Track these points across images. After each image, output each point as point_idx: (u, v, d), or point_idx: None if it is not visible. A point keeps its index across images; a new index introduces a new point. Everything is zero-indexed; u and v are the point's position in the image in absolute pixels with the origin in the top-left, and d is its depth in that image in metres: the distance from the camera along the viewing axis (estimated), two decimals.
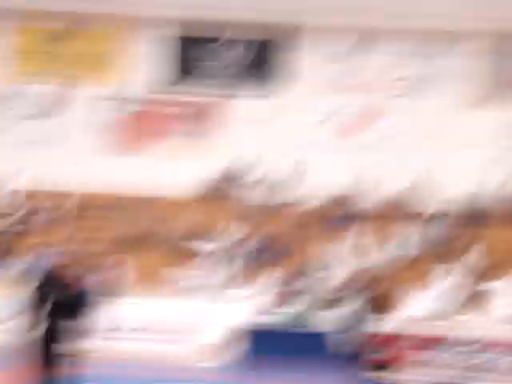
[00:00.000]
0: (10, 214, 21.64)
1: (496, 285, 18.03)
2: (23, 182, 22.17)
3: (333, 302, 16.54)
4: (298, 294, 17.16)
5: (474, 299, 17.76)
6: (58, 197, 21.81)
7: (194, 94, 23.54)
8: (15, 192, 22.00)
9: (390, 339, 16.20)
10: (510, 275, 18.21)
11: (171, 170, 22.80)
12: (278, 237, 20.44)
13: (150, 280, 19.08)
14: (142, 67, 23.50)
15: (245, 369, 15.42)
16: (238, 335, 16.04)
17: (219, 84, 23.59)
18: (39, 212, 21.55)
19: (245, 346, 15.91)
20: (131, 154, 23.38)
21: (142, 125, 23.54)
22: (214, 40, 23.54)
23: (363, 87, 23.29)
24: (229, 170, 22.80)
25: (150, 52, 23.57)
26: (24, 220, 21.55)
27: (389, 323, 16.03)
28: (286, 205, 22.32)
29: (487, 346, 16.00)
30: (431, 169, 22.37)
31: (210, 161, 22.83)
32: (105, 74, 23.66)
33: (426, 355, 16.20)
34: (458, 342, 16.10)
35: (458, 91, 22.90)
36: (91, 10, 23.11)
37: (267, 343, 15.87)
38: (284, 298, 17.07)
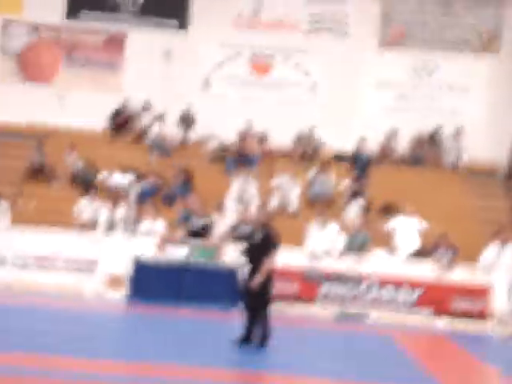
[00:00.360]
0: None
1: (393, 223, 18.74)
2: None
3: (234, 237, 16.87)
4: (200, 231, 17.37)
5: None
6: None
7: (97, 23, 23.15)
8: None
9: (294, 273, 16.74)
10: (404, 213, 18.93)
11: (75, 101, 22.51)
12: (177, 174, 20.58)
13: (52, 212, 18.96)
14: None
15: (147, 301, 15.64)
16: (137, 267, 16.21)
17: (123, 16, 23.26)
18: None
19: (144, 277, 16.11)
20: (35, 82, 22.92)
21: (43, 52, 23.02)
22: None
23: (275, 25, 23.43)
24: (130, 105, 22.70)
25: None
26: None
27: (291, 258, 16.54)
28: (185, 143, 22.47)
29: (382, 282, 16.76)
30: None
31: (113, 95, 22.64)
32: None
33: (328, 289, 16.83)
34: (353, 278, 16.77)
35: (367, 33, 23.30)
36: None
37: (166, 274, 16.13)
38: (185, 235, 17.25)
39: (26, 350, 9.74)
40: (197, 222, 17.51)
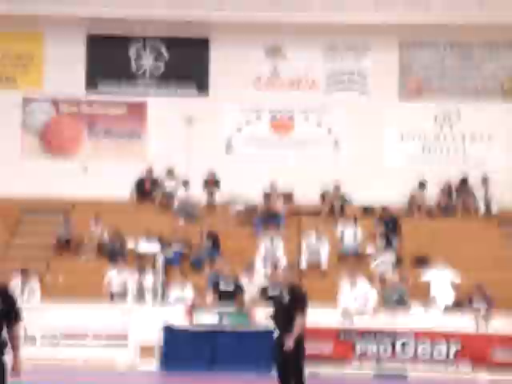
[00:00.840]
0: None
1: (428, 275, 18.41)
2: None
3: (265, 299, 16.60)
4: (230, 294, 17.13)
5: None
6: None
7: (117, 94, 23.32)
8: None
9: (329, 333, 16.36)
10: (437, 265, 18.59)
11: (99, 172, 22.55)
12: (204, 238, 20.44)
13: (81, 285, 18.83)
14: (61, 68, 23.10)
15: (180, 369, 15.36)
16: (172, 336, 15.94)
17: (142, 84, 23.44)
18: None
19: (175, 346, 15.84)
20: (58, 156, 23.04)
21: (64, 126, 23.18)
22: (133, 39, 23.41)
23: (295, 83, 23.48)
24: (154, 171, 22.75)
25: (70, 53, 23.19)
26: None
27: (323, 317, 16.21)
28: (211, 207, 22.39)
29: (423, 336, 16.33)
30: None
31: (137, 163, 22.70)
32: (24, 75, 23.23)
33: (364, 348, 16.42)
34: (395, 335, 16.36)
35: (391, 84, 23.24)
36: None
37: (198, 342, 15.85)
38: (215, 300, 17.02)
39: None
40: (226, 286, 17.28)
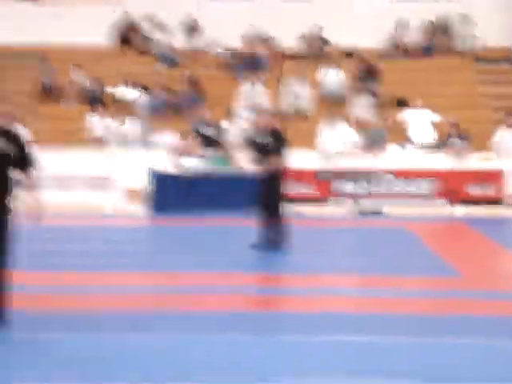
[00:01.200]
0: None
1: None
2: None
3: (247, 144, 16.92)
4: (212, 140, 17.40)
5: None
6: None
7: None
8: None
9: (308, 174, 16.85)
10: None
11: (75, 17, 22.22)
12: (185, 84, 20.49)
13: (64, 131, 19.03)
14: None
15: (166, 212, 15.84)
16: (156, 180, 16.34)
17: None
18: None
19: (163, 189, 16.25)
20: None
21: None
22: None
23: None
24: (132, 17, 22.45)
25: None
26: None
27: (304, 159, 16.61)
28: (190, 52, 22.27)
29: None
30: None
31: (113, 6, 22.34)
32: None
33: (343, 187, 16.96)
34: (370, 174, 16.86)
35: None
36: None
37: (184, 186, 16.28)
38: (198, 144, 17.31)
39: (57, 269, 9.99)
40: (208, 131, 17.53)
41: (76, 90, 20.72)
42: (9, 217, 6.96)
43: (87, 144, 18.34)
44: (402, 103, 19.87)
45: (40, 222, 7.07)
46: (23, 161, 6.99)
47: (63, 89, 20.91)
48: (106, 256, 11.19)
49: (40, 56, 21.31)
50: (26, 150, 7.04)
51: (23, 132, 18.08)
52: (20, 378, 5.68)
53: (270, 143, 11.56)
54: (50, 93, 20.80)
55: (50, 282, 9.29)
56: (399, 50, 22.24)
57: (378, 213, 16.66)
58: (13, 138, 7.00)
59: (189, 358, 6.20)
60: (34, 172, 7.06)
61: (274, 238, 11.57)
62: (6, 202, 6.96)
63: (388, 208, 16.78)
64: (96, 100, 19.99)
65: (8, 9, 22.13)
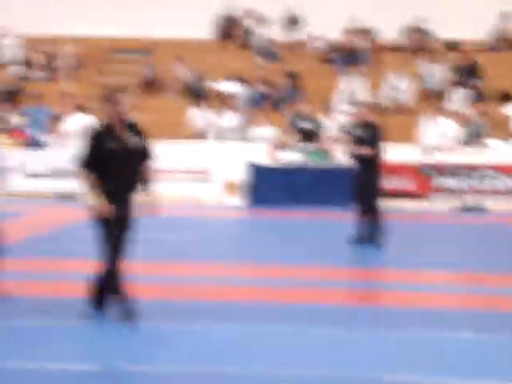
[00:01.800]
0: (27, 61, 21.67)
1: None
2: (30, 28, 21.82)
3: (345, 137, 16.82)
4: (309, 133, 17.39)
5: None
6: (77, 42, 21.69)
7: None
8: (26, 39, 21.81)
9: (407, 168, 16.63)
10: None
11: (179, 11, 22.52)
12: (285, 78, 20.52)
13: (166, 124, 19.36)
14: None
15: (264, 205, 15.94)
16: (254, 172, 16.44)
17: None
18: (60, 58, 21.51)
19: (260, 182, 16.34)
20: None
21: None
22: None
23: None
24: (233, 10, 22.62)
25: None
26: (46, 66, 21.53)
27: (403, 153, 16.41)
28: (293, 44, 22.28)
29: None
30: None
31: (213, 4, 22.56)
32: None
33: (444, 182, 16.67)
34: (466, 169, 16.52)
35: None
36: None
37: (282, 179, 16.33)
38: (298, 137, 17.33)
39: (158, 258, 10.22)
40: (306, 125, 17.53)
41: (178, 84, 21.04)
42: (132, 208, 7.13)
43: (188, 137, 18.61)
44: (505, 97, 19.40)
45: (157, 213, 7.20)
46: (145, 153, 7.12)
47: (166, 82, 21.27)
48: (207, 246, 11.35)
49: (144, 49, 21.73)
50: (147, 143, 7.15)
51: None
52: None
53: (367, 136, 11.48)
54: (152, 86, 21.18)
55: (152, 272, 9.47)
56: (503, 43, 21.70)
57: (480, 209, 16.32)
58: (138, 130, 7.12)
59: (290, 349, 6.28)
60: (152, 164, 7.19)
61: (370, 232, 11.49)
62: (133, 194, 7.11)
63: (490, 204, 16.41)
64: (197, 93, 20.25)
65: (111, 2, 22.58)
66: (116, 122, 7.00)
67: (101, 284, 7.06)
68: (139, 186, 7.14)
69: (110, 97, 7.00)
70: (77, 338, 6.65)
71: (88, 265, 7.67)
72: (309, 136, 17.34)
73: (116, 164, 6.95)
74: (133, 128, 7.08)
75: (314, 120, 17.74)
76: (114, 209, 6.96)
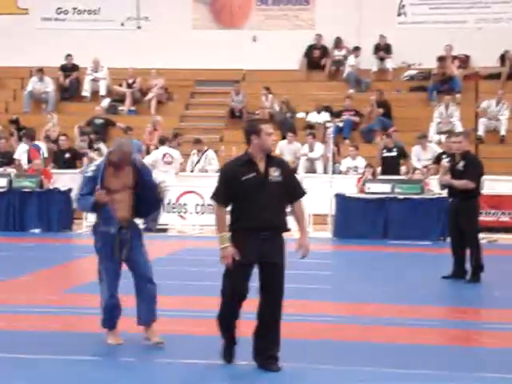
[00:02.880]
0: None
1: None
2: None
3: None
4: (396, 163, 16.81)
5: None
6: (165, 74, 21.71)
7: None
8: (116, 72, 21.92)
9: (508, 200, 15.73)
10: None
11: (268, 42, 22.27)
12: (375, 107, 19.96)
13: None
14: None
15: (352, 237, 15.36)
16: (345, 204, 15.88)
17: None
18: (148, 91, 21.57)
19: (351, 214, 15.78)
20: (228, 27, 22.89)
21: None
22: None
23: None
24: (323, 40, 22.25)
25: None
26: (135, 99, 21.59)
27: (501, 185, 15.56)
28: (384, 72, 21.77)
29: None
30: None
31: (306, 32, 22.24)
32: None
33: None
34: None
35: None
36: None
37: (371, 211, 15.73)
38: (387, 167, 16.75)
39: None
40: (396, 155, 16.95)
41: (267, 115, 20.70)
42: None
43: None
44: None
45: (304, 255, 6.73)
46: (290, 190, 6.65)
47: (253, 114, 20.97)
48: (300, 282, 10.78)
49: (232, 80, 21.54)
50: (294, 178, 6.80)
51: (212, 155, 18.29)
52: None
53: (462, 167, 10.81)
54: (239, 118, 20.93)
55: None
56: None
57: None
58: (281, 164, 6.73)
59: None
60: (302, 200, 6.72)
61: (468, 268, 10.79)
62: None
63: None
64: (286, 125, 19.87)
65: (206, 36, 22.51)
66: (257, 153, 6.57)
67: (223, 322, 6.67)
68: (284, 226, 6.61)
69: (255, 128, 6.65)
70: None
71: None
72: (394, 166, 16.75)
73: (254, 198, 6.46)
74: (275, 161, 6.65)
75: (401, 148, 17.17)
76: (248, 249, 6.43)
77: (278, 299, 6.53)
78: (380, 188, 16.02)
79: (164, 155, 17.18)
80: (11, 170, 17.35)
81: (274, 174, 6.53)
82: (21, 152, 17.86)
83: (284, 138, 19.00)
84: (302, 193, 6.71)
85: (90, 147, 18.32)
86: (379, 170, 17.13)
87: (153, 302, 7.37)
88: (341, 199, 15.99)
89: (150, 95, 21.51)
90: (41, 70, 21.57)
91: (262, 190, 6.45)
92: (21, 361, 6.62)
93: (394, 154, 17.04)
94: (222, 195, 6.52)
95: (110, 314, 7.26)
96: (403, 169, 16.98)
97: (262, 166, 6.54)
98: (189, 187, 16.90)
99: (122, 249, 7.10)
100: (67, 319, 8.14)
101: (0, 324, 7.97)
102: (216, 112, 21.42)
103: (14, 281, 10.29)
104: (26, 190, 16.29)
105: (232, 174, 6.53)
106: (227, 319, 6.60)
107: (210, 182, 16.91)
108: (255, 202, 6.44)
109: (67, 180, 16.54)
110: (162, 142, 17.58)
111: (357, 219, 15.68)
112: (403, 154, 17.28)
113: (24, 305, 8.69)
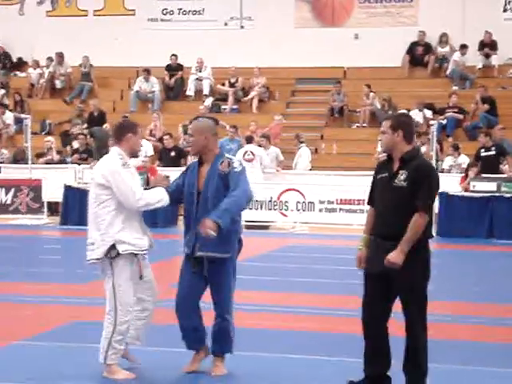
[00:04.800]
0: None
1: None
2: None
3: None
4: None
5: None
6: (266, 73, 21.89)
7: None
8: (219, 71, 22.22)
9: None
10: None
11: (370, 39, 22.16)
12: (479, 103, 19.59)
13: (353, 154, 18.99)
14: None
15: (457, 236, 15.16)
16: (448, 203, 15.68)
17: None
18: (250, 90, 21.81)
19: (456, 213, 15.58)
20: (330, 25, 22.88)
21: None
22: None
23: None
24: (426, 36, 21.96)
25: None
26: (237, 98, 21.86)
27: None
28: (489, 69, 21.34)
29: None
30: None
31: (408, 28, 22.02)
32: None
33: None
34: None
35: None
36: None
37: (475, 209, 15.48)
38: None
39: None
40: (500, 152, 16.61)
41: (368, 113, 20.63)
42: None
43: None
44: None
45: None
46: (412, 198, 5.83)
47: (354, 112, 20.94)
48: None
49: (332, 78, 21.55)
50: (423, 187, 5.86)
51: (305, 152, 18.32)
52: None
53: None
54: (340, 116, 20.91)
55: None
56: None
57: None
58: (416, 168, 5.88)
59: None
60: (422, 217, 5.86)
61: None
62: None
63: None
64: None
65: (307, 34, 22.55)
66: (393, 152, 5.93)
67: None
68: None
69: (399, 124, 5.92)
70: None
71: None
72: (496, 165, 16.42)
73: (379, 201, 5.95)
74: (409, 164, 5.86)
75: (502, 148, 16.84)
76: (372, 258, 5.90)
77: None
78: (485, 186, 15.76)
79: (245, 153, 17.39)
80: None
81: (401, 177, 5.85)
82: None
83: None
84: (420, 205, 5.81)
85: None
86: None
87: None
88: (444, 197, 15.80)
89: (251, 94, 21.74)
90: (147, 70, 22.11)
91: (383, 193, 5.93)
92: None
93: (493, 152, 16.70)
94: (369, 196, 6.12)
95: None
96: (506, 168, 16.61)
97: (395, 166, 5.93)
98: (290, 184, 17.03)
99: None
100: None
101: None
102: (317, 110, 21.46)
103: None
104: None
105: (375, 173, 6.07)
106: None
107: (312, 180, 17.26)
108: (378, 205, 5.98)
109: (173, 178, 16.86)
110: (249, 140, 17.80)
111: (461, 218, 15.47)
112: (503, 153, 16.89)
113: None
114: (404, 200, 5.79)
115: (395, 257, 5.73)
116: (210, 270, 6.38)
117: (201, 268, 6.40)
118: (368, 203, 6.15)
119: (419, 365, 5.86)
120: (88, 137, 19.33)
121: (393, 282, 5.81)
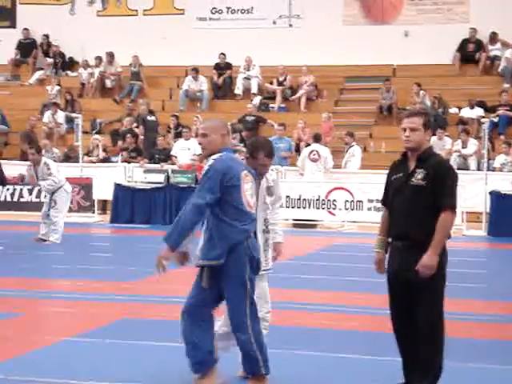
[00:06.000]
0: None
1: None
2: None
3: None
4: None
5: None
6: (315, 71, 21.85)
7: None
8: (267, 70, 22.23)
9: None
10: None
11: (420, 37, 21.95)
12: None
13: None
14: None
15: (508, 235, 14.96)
16: (500, 201, 15.48)
17: None
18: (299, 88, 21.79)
19: (505, 211, 15.37)
20: (379, 23, 22.73)
21: None
22: None
23: None
24: (477, 34, 21.69)
25: None
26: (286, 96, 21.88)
27: None
28: None
29: None
30: None
31: (459, 26, 21.77)
32: None
33: None
34: None
35: None
36: None
37: None
38: None
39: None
40: None
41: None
42: None
43: None
44: None
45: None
46: (433, 197, 5.58)
47: (403, 110, 20.75)
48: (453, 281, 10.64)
49: (382, 76, 21.41)
50: (445, 186, 5.59)
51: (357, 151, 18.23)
52: None
53: None
54: (389, 114, 20.76)
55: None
56: None
57: None
58: (435, 166, 5.64)
59: None
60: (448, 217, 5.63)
61: None
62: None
63: None
64: (438, 121, 19.55)
65: (356, 32, 22.42)
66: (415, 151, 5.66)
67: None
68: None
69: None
70: None
71: None
72: None
73: (394, 202, 5.70)
74: (426, 163, 5.62)
75: None
76: (390, 261, 5.71)
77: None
78: None
79: (311, 152, 17.32)
80: (168, 167, 17.97)
81: (418, 176, 5.61)
82: (177, 149, 18.47)
83: (434, 134, 18.70)
84: (443, 204, 5.56)
85: (244, 144, 18.70)
86: None
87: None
88: (496, 196, 15.61)
89: (299, 92, 21.70)
90: (195, 69, 22.21)
91: (400, 193, 5.66)
92: None
93: None
94: (383, 197, 5.89)
95: None
96: None
97: (411, 165, 5.68)
98: (338, 183, 16.97)
99: None
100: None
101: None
102: (365, 108, 21.35)
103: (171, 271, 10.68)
104: (183, 185, 16.84)
105: (388, 173, 5.85)
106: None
107: (360, 179, 17.17)
108: (395, 207, 5.71)
109: None
110: (316, 139, 17.66)
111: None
112: None
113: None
114: (422, 199, 5.55)
115: (429, 260, 5.53)
116: (211, 282, 5.81)
117: (213, 281, 5.79)
118: (382, 204, 5.92)
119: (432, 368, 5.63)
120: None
121: (411, 284, 5.59)
